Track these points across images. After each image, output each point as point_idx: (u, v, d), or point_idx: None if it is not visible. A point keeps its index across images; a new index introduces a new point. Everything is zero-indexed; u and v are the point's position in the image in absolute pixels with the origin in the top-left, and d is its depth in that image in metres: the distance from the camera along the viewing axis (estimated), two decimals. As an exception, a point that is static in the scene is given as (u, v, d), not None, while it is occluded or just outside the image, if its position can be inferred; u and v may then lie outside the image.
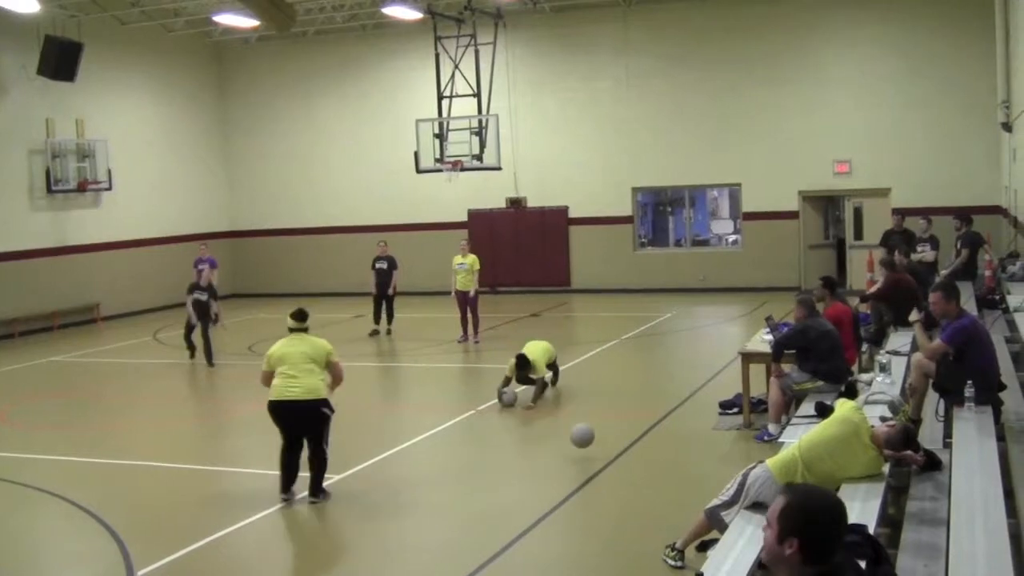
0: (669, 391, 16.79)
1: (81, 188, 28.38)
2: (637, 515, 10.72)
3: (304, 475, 11.57)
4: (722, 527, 8.17)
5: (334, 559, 10.24)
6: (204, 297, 21.31)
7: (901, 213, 23.35)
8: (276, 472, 11.63)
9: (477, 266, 22.60)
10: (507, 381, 15.82)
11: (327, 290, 31.77)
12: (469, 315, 22.65)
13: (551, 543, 10.16)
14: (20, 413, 17.81)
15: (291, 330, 11.72)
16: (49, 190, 27.79)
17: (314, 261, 32.58)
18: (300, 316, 11.80)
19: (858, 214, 28.60)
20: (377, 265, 24.79)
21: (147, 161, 31.15)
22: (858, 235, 28.46)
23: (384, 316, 24.54)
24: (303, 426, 11.41)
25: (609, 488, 11.76)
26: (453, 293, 22.69)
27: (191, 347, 21.80)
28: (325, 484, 11.60)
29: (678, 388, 16.84)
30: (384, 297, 24.50)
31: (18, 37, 26.36)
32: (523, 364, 15.76)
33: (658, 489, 11.63)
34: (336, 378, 11.70)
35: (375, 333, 24.43)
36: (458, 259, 22.61)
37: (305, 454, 11.53)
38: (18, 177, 27.22)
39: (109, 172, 28.98)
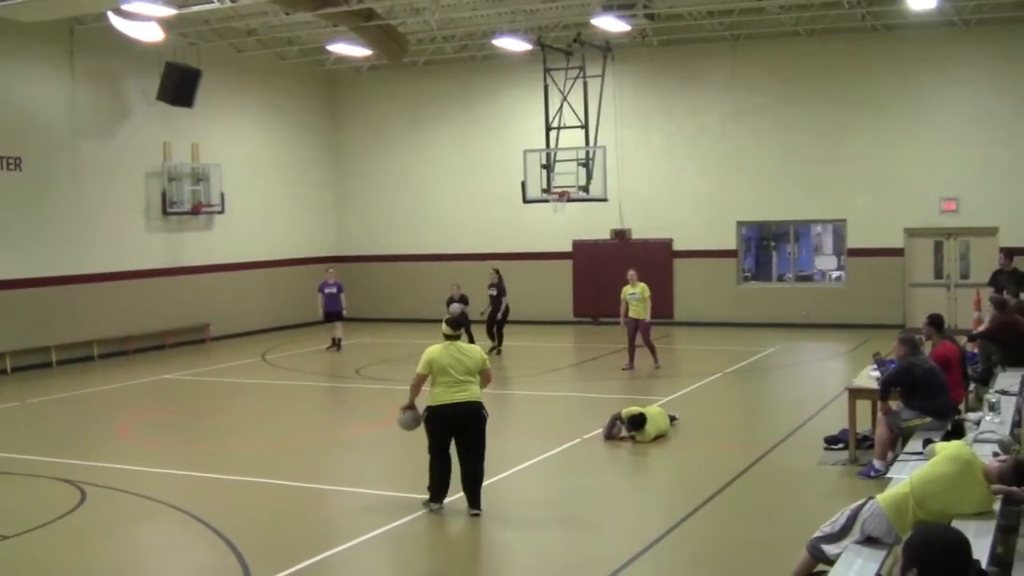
0: (773, 425, 16.79)
1: (195, 211, 29.12)
2: (741, 549, 10.75)
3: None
4: (826, 561, 8.23)
5: (443, 580, 10.46)
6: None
7: (1009, 253, 23.12)
8: (389, 492, 12.02)
9: (647, 293, 22.54)
10: (614, 421, 15.85)
11: (434, 316, 32.02)
12: (639, 343, 22.58)
13: (656, 573, 10.24)
14: (136, 428, 18.32)
15: (447, 337, 12.05)
16: (165, 212, 28.56)
17: (420, 287, 32.87)
18: (456, 324, 12.27)
19: (964, 253, 28.35)
20: (489, 292, 25.85)
21: (258, 185, 31.86)
22: (964, 274, 28.21)
23: (495, 337, 25.82)
24: (466, 428, 11.81)
25: (713, 521, 11.80)
26: (623, 322, 22.66)
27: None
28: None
29: (782, 422, 16.83)
30: (494, 320, 25.67)
31: (140, 64, 27.16)
32: (637, 423, 15.67)
33: (763, 523, 11.65)
34: (485, 381, 12.16)
35: (497, 352, 25.42)
36: (628, 289, 22.56)
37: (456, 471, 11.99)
38: (136, 199, 28.02)
39: (222, 195, 29.70)
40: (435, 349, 11.91)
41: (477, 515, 11.80)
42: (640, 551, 10.50)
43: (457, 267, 32.08)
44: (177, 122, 28.33)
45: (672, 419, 16.31)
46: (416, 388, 11.99)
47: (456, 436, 11.86)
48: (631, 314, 22.45)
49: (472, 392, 11.81)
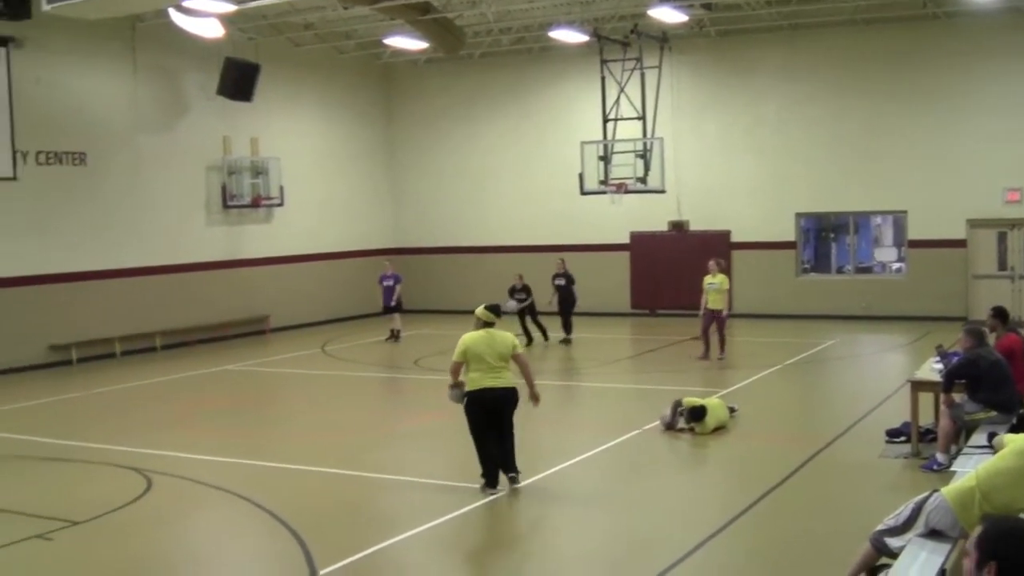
0: (833, 418, 16.71)
1: (255, 204, 29.40)
2: (802, 542, 10.72)
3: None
4: (889, 554, 8.20)
5: (502, 572, 10.48)
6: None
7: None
8: (448, 482, 12.20)
9: (727, 285, 22.71)
10: (676, 407, 15.85)
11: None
12: (714, 334, 22.67)
13: (713, 567, 10.22)
14: (199, 418, 18.55)
15: (484, 323, 12.43)
16: (225, 205, 28.87)
17: (477, 279, 32.91)
18: (495, 310, 12.61)
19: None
20: (556, 282, 25.92)
21: (316, 178, 32.09)
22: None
23: (563, 328, 25.87)
24: (503, 411, 12.32)
25: (774, 513, 11.78)
26: (702, 312, 22.72)
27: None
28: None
29: (843, 415, 16.73)
30: (563, 310, 25.82)
31: (199, 59, 27.44)
32: (697, 415, 15.68)
33: (824, 516, 11.60)
34: (523, 366, 12.54)
35: (567, 342, 25.65)
36: (708, 279, 22.62)
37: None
38: (196, 192, 28.32)
39: (281, 189, 29.96)
40: (470, 337, 12.35)
41: (515, 478, 12.39)
42: (698, 543, 10.50)
43: (514, 259, 32.10)
44: (236, 116, 28.62)
45: (731, 411, 16.28)
46: (455, 374, 12.47)
47: (491, 419, 12.32)
48: (709, 304, 22.51)
49: (506, 378, 12.31)
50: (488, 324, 12.46)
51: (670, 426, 15.80)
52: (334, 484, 13.41)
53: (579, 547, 11.02)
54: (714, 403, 15.88)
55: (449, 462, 13.04)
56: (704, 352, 22.63)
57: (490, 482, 12.33)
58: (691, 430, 15.51)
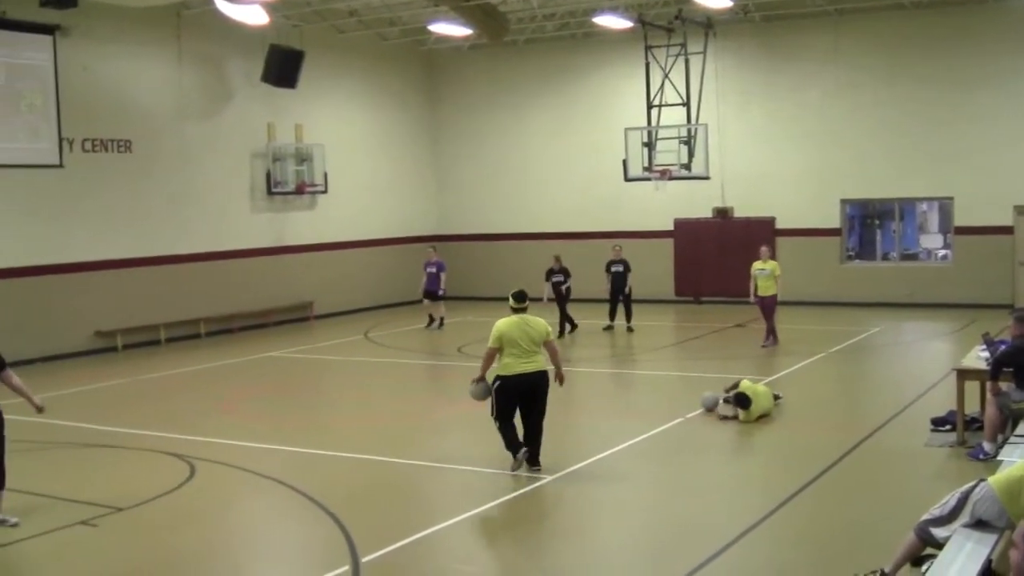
0: (878, 406, 16.59)
1: (299, 191, 29.49)
2: (846, 530, 10.64)
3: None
4: (934, 544, 8.13)
5: (542, 560, 10.43)
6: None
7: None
8: (492, 470, 12.33)
9: (779, 271, 22.58)
10: (729, 391, 15.84)
11: (534, 295, 32.08)
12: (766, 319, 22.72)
13: (757, 554, 10.18)
14: (243, 404, 18.66)
15: (514, 310, 12.72)
16: (269, 192, 28.97)
17: (519, 266, 32.72)
18: (521, 298, 12.85)
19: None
20: (613, 269, 25.69)
21: (360, 165, 32.15)
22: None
23: (623, 314, 25.76)
24: (534, 395, 12.60)
25: (818, 501, 11.72)
26: (753, 299, 22.67)
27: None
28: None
29: (887, 403, 16.61)
30: (620, 298, 25.67)
31: (244, 46, 27.56)
32: (743, 402, 15.59)
33: (868, 504, 11.52)
34: (553, 354, 12.87)
35: (609, 328, 25.63)
36: (759, 265, 22.49)
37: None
38: (241, 179, 28.45)
39: (325, 175, 30.03)
40: (504, 323, 12.63)
41: (538, 470, 12.61)
42: (743, 531, 10.46)
43: (557, 246, 31.95)
44: (281, 103, 28.71)
45: (776, 398, 16.20)
46: (488, 361, 12.77)
47: (522, 402, 12.60)
48: (759, 291, 22.40)
49: (538, 362, 12.58)
50: (519, 310, 12.73)
51: (711, 409, 15.85)
52: (377, 471, 13.44)
53: (623, 535, 11.00)
54: (760, 390, 15.79)
55: (492, 449, 13.03)
56: (770, 339, 22.69)
57: (514, 452, 12.61)
58: (735, 417, 15.46)
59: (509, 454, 12.65)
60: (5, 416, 11.01)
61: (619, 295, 25.69)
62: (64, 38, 23.68)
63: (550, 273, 25.36)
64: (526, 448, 12.59)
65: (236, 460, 13.88)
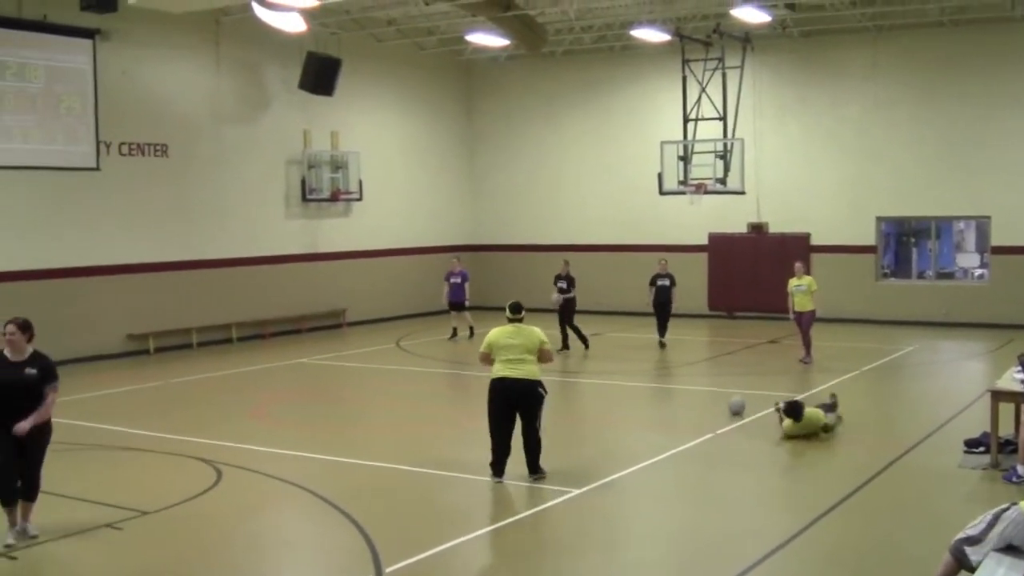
0: (912, 425, 16.44)
1: (334, 198, 29.55)
2: (878, 549, 10.54)
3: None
4: (968, 567, 8.03)
5: (568, 575, 10.39)
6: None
7: None
8: (517, 482, 12.27)
9: (815, 286, 22.51)
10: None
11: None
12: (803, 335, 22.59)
13: (789, 572, 10.10)
14: (272, 410, 18.69)
15: (509, 320, 13.29)
16: (304, 198, 29.06)
17: (552, 277, 32.69)
18: (516, 309, 13.43)
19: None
20: (659, 282, 25.40)
21: (395, 173, 32.19)
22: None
23: (659, 329, 25.50)
24: (520, 402, 12.87)
25: (850, 520, 11.60)
26: (792, 315, 22.60)
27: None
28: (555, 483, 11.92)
29: (921, 423, 16.46)
30: (663, 312, 25.39)
31: (282, 53, 27.67)
32: (795, 412, 15.42)
33: (900, 524, 11.42)
34: (544, 360, 13.18)
35: (663, 345, 25.29)
36: (795, 281, 22.43)
37: (518, 444, 13.00)
38: (276, 185, 28.55)
39: (360, 183, 30.07)
40: (496, 331, 13.22)
41: (540, 477, 12.91)
42: (773, 549, 10.39)
43: (592, 258, 32.03)
44: (317, 110, 28.81)
45: (825, 429, 15.58)
46: (484, 362, 13.28)
47: (517, 410, 12.88)
48: (796, 307, 22.34)
49: (527, 371, 12.87)
50: (514, 320, 13.27)
51: (738, 413, 16.18)
52: (403, 480, 13.42)
53: (651, 550, 10.96)
54: (814, 415, 15.49)
55: (520, 461, 13.01)
56: (806, 354, 22.53)
57: (495, 471, 12.95)
58: (780, 420, 15.40)
59: (535, 476, 12.98)
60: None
61: (663, 310, 25.43)
62: (104, 42, 23.88)
63: (556, 279, 25.33)
64: (499, 478, 12.92)
65: (263, 466, 13.88)
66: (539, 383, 12.92)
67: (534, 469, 12.97)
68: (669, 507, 12.51)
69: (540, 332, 13.26)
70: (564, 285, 25.04)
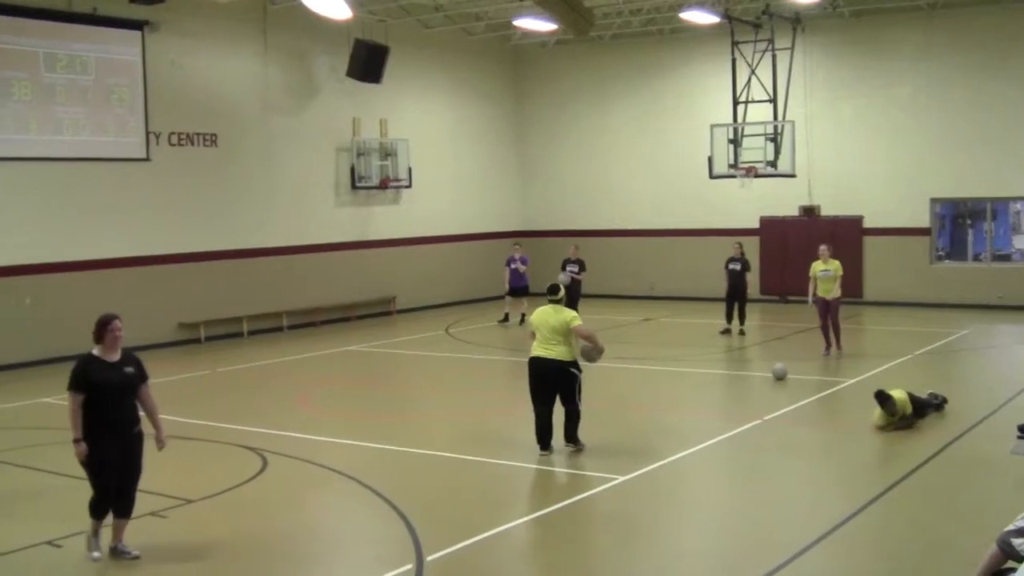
0: (964, 410, 16.15)
1: (383, 185, 29.58)
2: (927, 537, 10.40)
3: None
4: (1015, 556, 7.88)
5: (613, 562, 10.29)
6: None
7: None
8: (563, 470, 12.28)
9: (840, 272, 21.46)
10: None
11: (617, 292, 32.03)
12: (830, 323, 21.53)
13: (835, 560, 9.99)
14: (319, 398, 18.74)
15: (550, 301, 13.68)
16: (353, 186, 29.12)
17: (604, 263, 32.57)
18: (555, 290, 13.85)
19: None
20: (730, 266, 24.95)
21: (444, 160, 32.19)
22: None
23: (736, 317, 24.83)
24: (554, 381, 13.40)
25: (898, 507, 11.46)
26: (811, 301, 21.63)
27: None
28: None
29: (974, 408, 16.23)
30: (736, 297, 24.75)
31: (329, 41, 27.72)
32: (885, 401, 15.03)
33: (950, 512, 11.26)
34: (584, 337, 13.50)
35: (726, 332, 24.82)
36: (820, 265, 21.46)
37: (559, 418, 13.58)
38: (326, 173, 28.63)
39: (409, 170, 30.09)
40: (537, 311, 13.76)
41: (578, 449, 13.58)
42: (820, 536, 10.29)
43: (641, 243, 31.92)
44: (365, 98, 28.84)
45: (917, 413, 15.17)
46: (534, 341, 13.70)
47: (554, 388, 13.41)
48: (819, 292, 21.41)
49: (557, 351, 13.30)
50: (554, 301, 13.62)
51: (781, 378, 17.12)
52: (448, 468, 13.42)
53: (695, 538, 10.89)
54: (901, 402, 14.87)
55: (565, 450, 12.97)
56: (826, 346, 21.59)
57: (541, 445, 13.53)
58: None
59: (572, 445, 13.66)
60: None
61: (736, 295, 24.76)
62: (152, 33, 24.04)
63: (565, 263, 25.35)
64: (546, 451, 13.51)
65: (308, 454, 13.92)
66: (571, 363, 13.35)
67: (571, 438, 13.59)
68: (715, 494, 12.44)
69: (571, 312, 13.60)
70: (576, 268, 25.43)
